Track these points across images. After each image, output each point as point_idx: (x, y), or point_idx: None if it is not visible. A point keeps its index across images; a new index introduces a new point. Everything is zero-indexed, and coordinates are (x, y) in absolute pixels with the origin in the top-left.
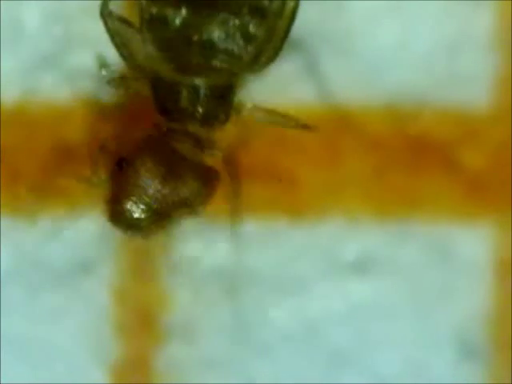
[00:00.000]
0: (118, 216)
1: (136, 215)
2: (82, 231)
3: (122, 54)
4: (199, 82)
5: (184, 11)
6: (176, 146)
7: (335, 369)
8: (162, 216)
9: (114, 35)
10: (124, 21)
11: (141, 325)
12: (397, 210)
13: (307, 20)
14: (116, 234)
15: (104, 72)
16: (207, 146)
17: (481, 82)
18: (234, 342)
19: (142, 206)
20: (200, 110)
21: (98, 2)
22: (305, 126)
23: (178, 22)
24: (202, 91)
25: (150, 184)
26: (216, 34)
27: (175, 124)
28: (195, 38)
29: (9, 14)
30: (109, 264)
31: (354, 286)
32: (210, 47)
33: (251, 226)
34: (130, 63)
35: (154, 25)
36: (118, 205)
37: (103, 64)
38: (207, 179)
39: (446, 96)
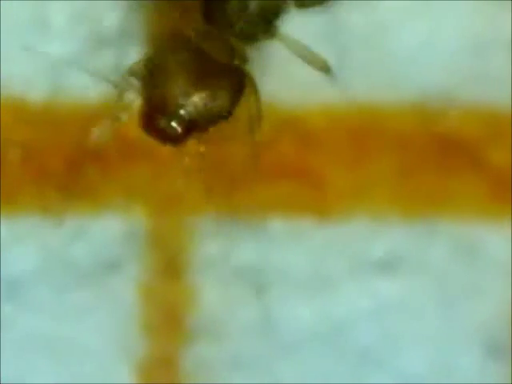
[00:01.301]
0: (152, 127)
1: (172, 124)
2: (109, 230)
3: None
4: None
5: None
6: (208, 49)
7: (362, 368)
8: (196, 121)
9: None
10: None
11: (168, 324)
12: (423, 209)
13: (336, 18)
14: (143, 233)
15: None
16: (239, 57)
17: (507, 81)
18: (260, 340)
19: (177, 113)
20: (243, 24)
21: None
22: (324, 68)
23: None
24: (252, 7)
25: (183, 86)
26: None
27: (213, 28)
28: None
29: (36, 13)
30: (135, 263)
31: (380, 286)
32: None
33: (278, 225)
34: None
35: None
36: (151, 115)
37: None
38: (238, 82)
39: (472, 95)
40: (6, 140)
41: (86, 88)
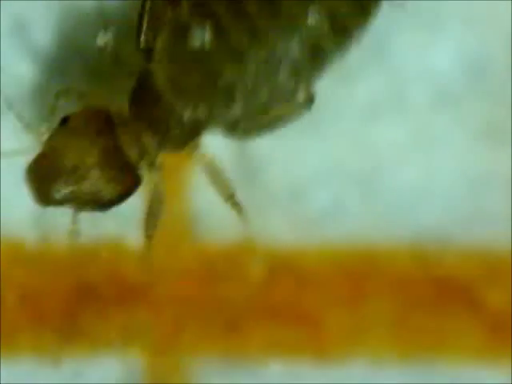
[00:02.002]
0: (35, 179)
1: (51, 189)
2: (106, 371)
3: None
4: (188, 114)
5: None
6: (122, 141)
7: None
8: (71, 200)
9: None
10: None
11: None
12: (421, 350)
13: (333, 158)
14: (140, 374)
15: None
16: (148, 162)
17: (504, 221)
18: None
19: (59, 184)
20: (170, 133)
21: None
22: (235, 205)
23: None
24: (186, 120)
25: (78, 164)
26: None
27: (136, 122)
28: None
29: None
30: None
31: None
32: (228, 95)
33: (276, 367)
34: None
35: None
36: (40, 171)
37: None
38: (130, 185)
39: (469, 235)
40: (3, 282)
41: (83, 230)
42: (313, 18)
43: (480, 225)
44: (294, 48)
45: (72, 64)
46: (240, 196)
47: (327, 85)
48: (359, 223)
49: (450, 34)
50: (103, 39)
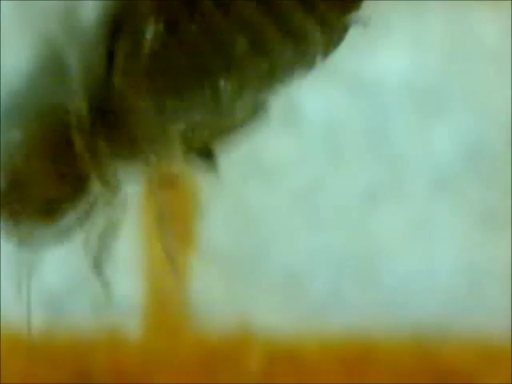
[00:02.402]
0: None
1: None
2: None
3: None
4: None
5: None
6: (80, 151)
7: None
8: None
9: None
10: None
11: None
12: None
13: (331, 247)
14: None
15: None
16: (102, 171)
17: (503, 311)
18: None
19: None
20: (126, 143)
21: None
22: (168, 257)
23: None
24: (144, 131)
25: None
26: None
27: (93, 130)
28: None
29: None
30: None
31: None
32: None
33: None
34: None
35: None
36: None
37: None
38: (78, 193)
39: (468, 326)
40: (3, 371)
41: (83, 320)
42: (267, 22)
43: (480, 315)
44: (248, 49)
45: None
46: (239, 284)
47: (325, 169)
48: (358, 313)
49: (449, 120)
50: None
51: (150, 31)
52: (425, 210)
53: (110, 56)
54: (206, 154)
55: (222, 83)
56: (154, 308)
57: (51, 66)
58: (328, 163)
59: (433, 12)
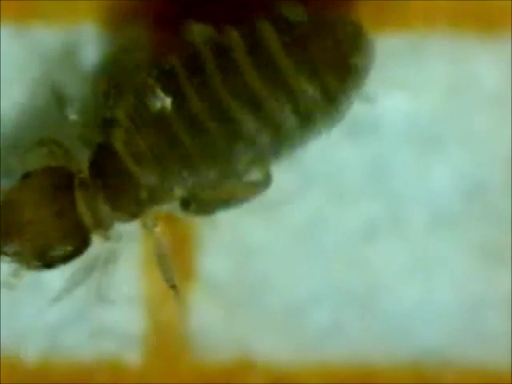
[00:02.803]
0: None
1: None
2: None
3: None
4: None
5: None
6: (79, 202)
7: None
8: (25, 252)
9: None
10: None
11: None
12: None
13: (331, 278)
14: None
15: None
16: (103, 226)
17: (504, 340)
18: None
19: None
20: (126, 199)
21: None
22: (172, 287)
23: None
24: (140, 185)
25: (34, 210)
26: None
27: (94, 186)
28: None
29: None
30: None
31: None
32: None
33: None
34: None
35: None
36: None
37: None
38: (78, 248)
39: (469, 355)
40: None
41: (81, 347)
42: (275, 101)
43: (480, 345)
44: (254, 127)
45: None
46: (239, 314)
47: (326, 205)
48: (358, 343)
49: (447, 158)
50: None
51: (156, 104)
52: (424, 244)
53: (108, 120)
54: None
55: (231, 158)
56: (154, 336)
57: (50, 113)
58: (328, 199)
59: (434, 55)
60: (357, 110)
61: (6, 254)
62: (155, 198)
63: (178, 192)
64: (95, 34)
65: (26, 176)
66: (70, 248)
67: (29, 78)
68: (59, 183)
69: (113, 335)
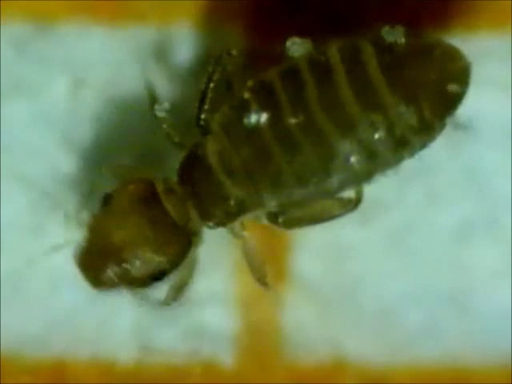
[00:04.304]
0: (88, 268)
1: (108, 271)
2: None
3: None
4: (240, 198)
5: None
6: (168, 207)
7: None
8: (131, 274)
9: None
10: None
11: None
12: None
13: (425, 278)
14: None
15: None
16: (192, 228)
17: None
18: None
19: (116, 262)
20: (215, 208)
21: None
22: (265, 285)
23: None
24: (232, 200)
25: (130, 236)
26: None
27: (183, 192)
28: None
29: None
30: None
31: None
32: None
33: None
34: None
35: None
36: (91, 256)
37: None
38: (183, 247)
39: None
40: None
41: (175, 348)
42: (370, 123)
43: None
44: (349, 149)
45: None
46: (332, 314)
47: (420, 206)
48: (452, 344)
49: None
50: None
51: (252, 119)
52: None
53: (202, 126)
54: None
55: (323, 178)
56: (247, 337)
57: None
58: (423, 200)
59: None
60: None
61: (112, 283)
62: (244, 209)
63: (268, 206)
64: (190, 34)
65: (106, 199)
66: (173, 254)
67: (123, 78)
68: (143, 196)
69: (206, 336)
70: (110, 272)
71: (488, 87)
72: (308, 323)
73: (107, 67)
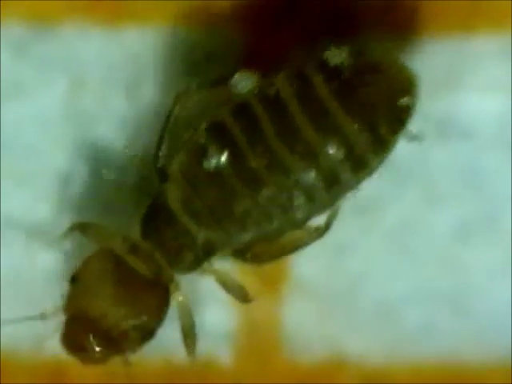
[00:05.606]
0: (73, 346)
1: (92, 344)
2: None
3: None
4: (208, 238)
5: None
6: (134, 263)
7: None
8: (117, 339)
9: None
10: None
11: None
12: None
13: (424, 277)
14: None
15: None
16: (165, 276)
17: None
18: None
19: (98, 331)
20: (183, 255)
21: None
22: (243, 298)
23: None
24: (199, 242)
25: (106, 303)
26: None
27: (148, 245)
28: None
29: None
30: None
31: None
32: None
33: None
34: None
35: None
36: (73, 333)
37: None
38: (161, 299)
39: None
40: None
41: (173, 346)
42: (330, 149)
43: None
44: (309, 176)
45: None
46: (332, 314)
47: (419, 206)
48: (451, 342)
49: None
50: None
51: (211, 162)
52: None
53: (161, 172)
54: None
55: (291, 210)
56: (246, 336)
57: None
58: (421, 200)
59: None
60: (449, 112)
61: (104, 356)
62: (213, 250)
63: (236, 244)
64: (189, 35)
65: (74, 275)
66: (154, 309)
67: (122, 79)
68: (107, 266)
69: (205, 335)
70: (99, 348)
71: (487, 87)
72: (307, 322)
73: (106, 68)
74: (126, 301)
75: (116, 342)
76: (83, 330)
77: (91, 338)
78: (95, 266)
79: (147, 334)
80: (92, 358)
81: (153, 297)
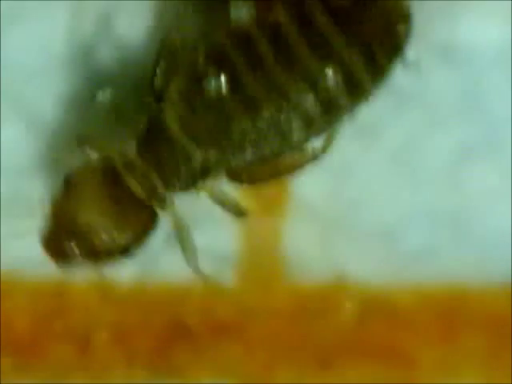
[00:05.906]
0: (53, 245)
1: (72, 248)
2: None
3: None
4: (206, 157)
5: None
6: (129, 182)
7: None
8: (96, 249)
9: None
10: None
11: None
12: None
13: (424, 199)
14: None
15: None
16: (158, 199)
17: None
18: None
19: (80, 238)
20: (179, 175)
21: None
22: (239, 213)
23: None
24: (195, 162)
25: (93, 213)
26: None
27: (143, 164)
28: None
29: None
30: None
31: None
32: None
33: None
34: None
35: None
36: (55, 234)
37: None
38: (147, 221)
39: None
40: (94, 321)
41: (175, 270)
42: (328, 74)
43: None
44: (307, 100)
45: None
46: (334, 236)
47: (420, 128)
48: (451, 263)
49: None
50: (103, 96)
51: (211, 86)
52: None
53: (158, 94)
54: None
55: (288, 134)
56: (248, 258)
57: None
58: (423, 123)
59: None
60: (450, 36)
61: (77, 261)
62: (209, 170)
63: (233, 165)
64: None
65: (68, 179)
66: (139, 228)
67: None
68: (103, 176)
69: (206, 257)
70: (76, 251)
71: (487, 12)
72: (308, 244)
73: None
74: (113, 215)
75: (95, 252)
76: (66, 234)
77: (73, 244)
78: (90, 176)
79: (126, 251)
80: (67, 263)
81: (141, 217)
